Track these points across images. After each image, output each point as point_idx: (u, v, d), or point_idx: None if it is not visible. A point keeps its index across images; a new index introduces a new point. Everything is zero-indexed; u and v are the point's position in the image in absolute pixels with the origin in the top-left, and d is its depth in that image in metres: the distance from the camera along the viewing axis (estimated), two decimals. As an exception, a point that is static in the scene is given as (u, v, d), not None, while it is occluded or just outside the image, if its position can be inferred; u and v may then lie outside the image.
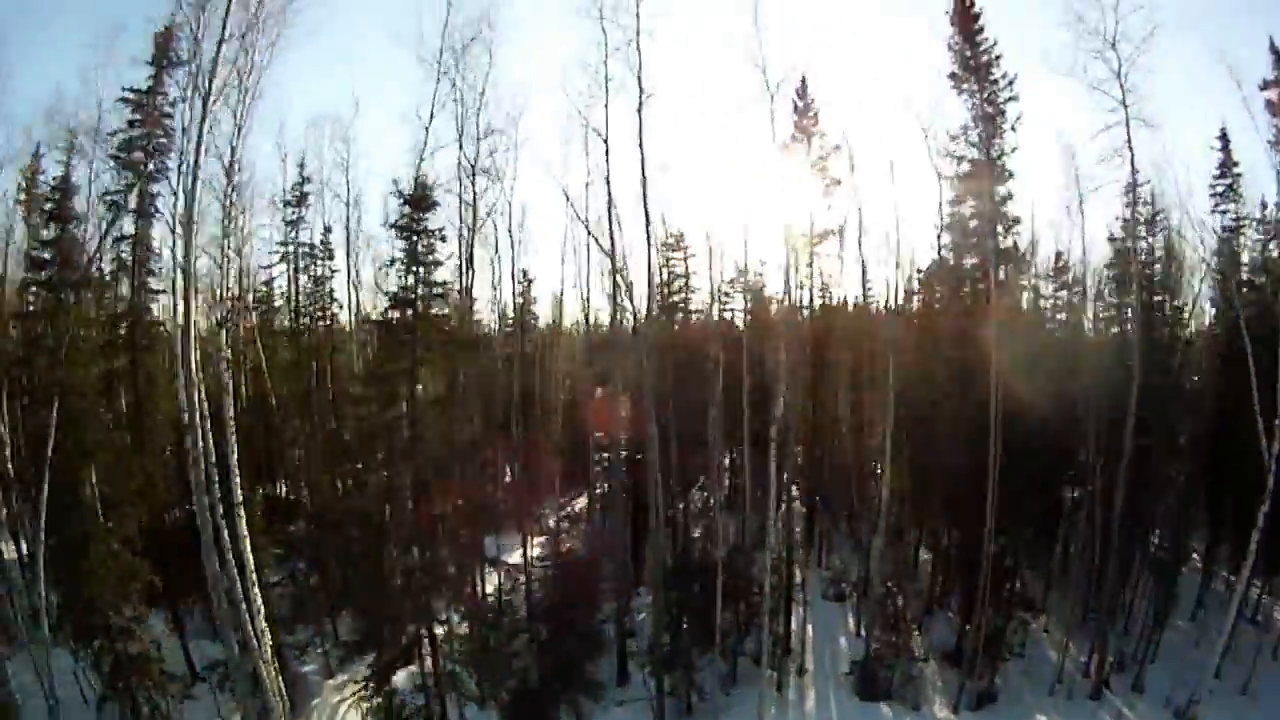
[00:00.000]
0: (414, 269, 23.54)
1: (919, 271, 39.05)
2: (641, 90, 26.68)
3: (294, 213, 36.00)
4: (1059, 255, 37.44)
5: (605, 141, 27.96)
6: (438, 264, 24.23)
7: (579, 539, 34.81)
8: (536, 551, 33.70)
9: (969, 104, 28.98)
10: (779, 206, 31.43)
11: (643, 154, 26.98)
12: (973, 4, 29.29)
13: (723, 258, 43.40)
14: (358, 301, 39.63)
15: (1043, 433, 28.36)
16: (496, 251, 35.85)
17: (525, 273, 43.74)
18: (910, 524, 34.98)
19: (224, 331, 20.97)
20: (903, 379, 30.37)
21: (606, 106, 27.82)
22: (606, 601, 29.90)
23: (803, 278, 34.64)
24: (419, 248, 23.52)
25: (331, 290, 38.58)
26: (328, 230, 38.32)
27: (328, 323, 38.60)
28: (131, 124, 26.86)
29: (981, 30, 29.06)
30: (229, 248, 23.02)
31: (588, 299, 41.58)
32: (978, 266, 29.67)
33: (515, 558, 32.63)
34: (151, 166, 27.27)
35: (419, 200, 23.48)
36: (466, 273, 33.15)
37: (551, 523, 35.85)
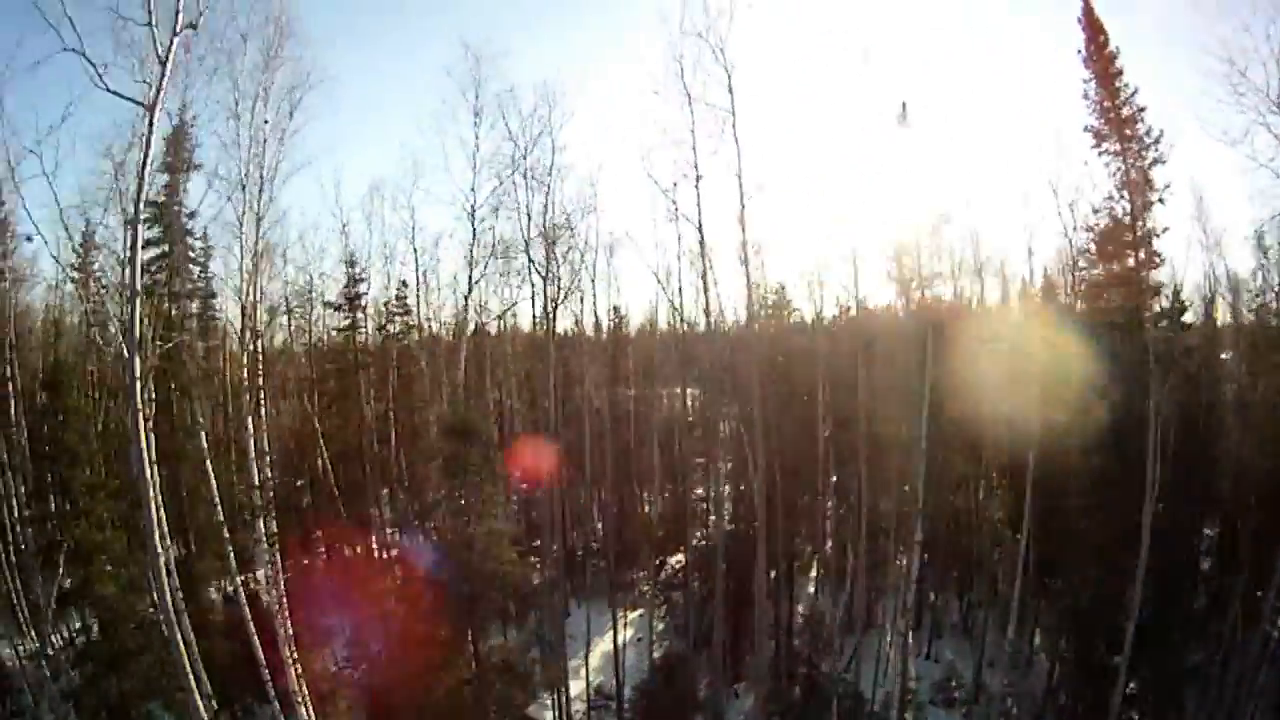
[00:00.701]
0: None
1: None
2: (743, 193, 24.31)
3: (347, 317, 34.67)
4: (1176, 292, 32.88)
5: (700, 230, 26.21)
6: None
7: (674, 626, 32.93)
8: (630, 632, 32.43)
9: (1111, 167, 25.30)
10: (885, 238, 29.20)
11: (748, 273, 24.91)
12: (1106, 41, 25.26)
13: (825, 291, 41.03)
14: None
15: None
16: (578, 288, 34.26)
17: (617, 310, 41.69)
18: (1030, 607, 32.01)
19: (258, 493, 19.46)
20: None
21: (698, 186, 25.78)
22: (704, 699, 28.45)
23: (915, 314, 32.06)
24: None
25: (409, 345, 37.00)
26: (403, 284, 37.03)
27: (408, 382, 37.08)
28: (149, 242, 25.10)
29: (1120, 74, 25.05)
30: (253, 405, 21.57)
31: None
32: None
33: (606, 641, 31.26)
34: (177, 287, 25.62)
35: (462, 431, 21.17)
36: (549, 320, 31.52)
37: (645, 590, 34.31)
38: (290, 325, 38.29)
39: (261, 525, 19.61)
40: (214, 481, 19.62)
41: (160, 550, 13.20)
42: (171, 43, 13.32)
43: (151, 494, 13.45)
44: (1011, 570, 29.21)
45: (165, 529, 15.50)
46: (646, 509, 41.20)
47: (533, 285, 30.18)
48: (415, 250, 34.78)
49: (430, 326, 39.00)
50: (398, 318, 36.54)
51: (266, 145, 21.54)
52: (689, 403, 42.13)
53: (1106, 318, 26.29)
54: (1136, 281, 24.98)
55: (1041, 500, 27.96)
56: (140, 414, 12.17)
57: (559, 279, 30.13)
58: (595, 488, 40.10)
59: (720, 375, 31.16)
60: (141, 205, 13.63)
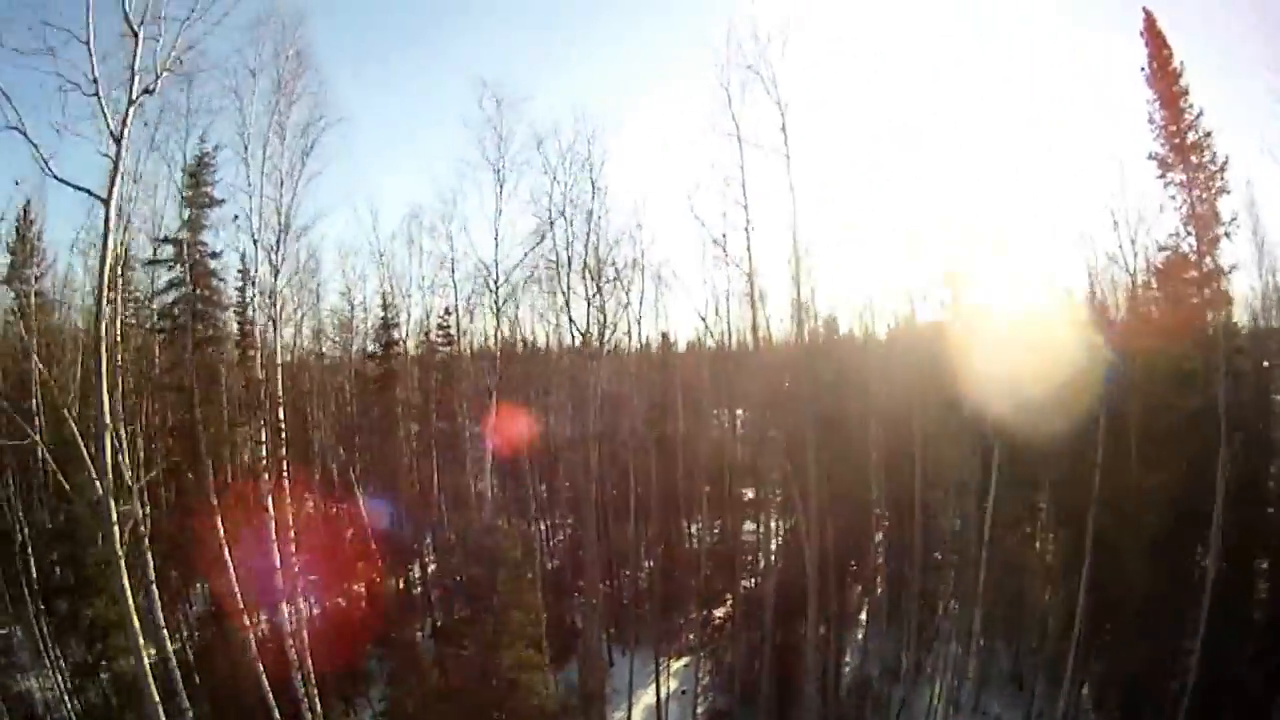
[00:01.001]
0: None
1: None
2: (797, 245, 23.48)
3: (382, 367, 34.25)
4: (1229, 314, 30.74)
5: (749, 278, 25.74)
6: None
7: (718, 679, 31.78)
8: (674, 684, 31.42)
9: (1178, 199, 23.63)
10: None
11: (802, 332, 24.50)
12: (1171, 57, 23.68)
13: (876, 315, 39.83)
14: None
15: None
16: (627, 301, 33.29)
17: (665, 336, 40.90)
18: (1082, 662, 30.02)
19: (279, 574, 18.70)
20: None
21: (748, 231, 25.40)
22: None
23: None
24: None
25: (449, 379, 36.54)
26: (446, 312, 36.40)
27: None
28: (171, 284, 23.82)
29: (1186, 93, 23.52)
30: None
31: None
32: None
33: (649, 694, 30.28)
34: (202, 331, 23.90)
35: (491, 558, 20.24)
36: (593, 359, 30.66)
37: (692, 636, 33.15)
38: (324, 359, 37.96)
39: (285, 608, 18.92)
40: (233, 573, 18.96)
41: (156, 700, 12.37)
42: (127, 113, 11.71)
43: (143, 648, 12.46)
44: (1065, 619, 27.48)
45: (167, 647, 14.69)
46: (695, 543, 39.84)
47: (573, 334, 29.45)
48: (454, 284, 33.94)
49: (474, 346, 38.43)
50: (440, 349, 36.06)
51: (283, 189, 20.07)
52: (738, 428, 40.91)
53: (1171, 364, 24.41)
54: (1203, 328, 23.52)
55: (1098, 553, 26.24)
56: (121, 559, 11.18)
57: (602, 316, 29.31)
58: (641, 524, 38.88)
59: (769, 420, 30.08)
60: (105, 311, 11.97)
